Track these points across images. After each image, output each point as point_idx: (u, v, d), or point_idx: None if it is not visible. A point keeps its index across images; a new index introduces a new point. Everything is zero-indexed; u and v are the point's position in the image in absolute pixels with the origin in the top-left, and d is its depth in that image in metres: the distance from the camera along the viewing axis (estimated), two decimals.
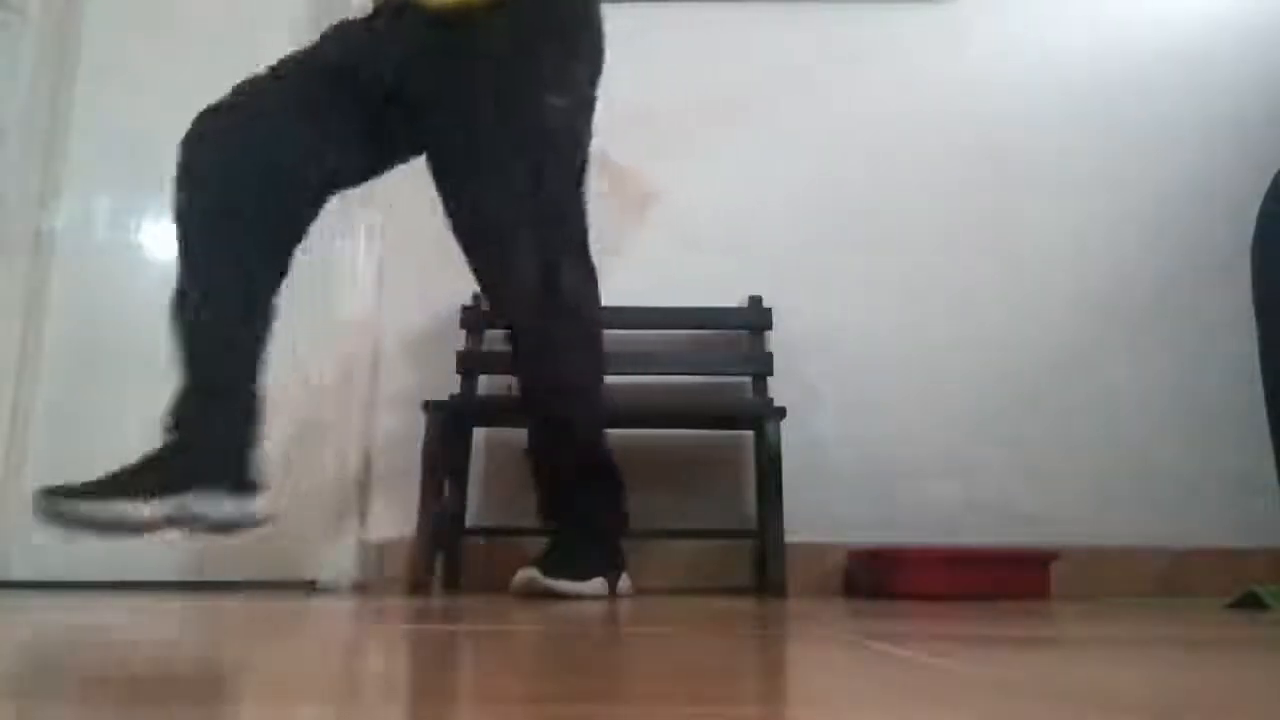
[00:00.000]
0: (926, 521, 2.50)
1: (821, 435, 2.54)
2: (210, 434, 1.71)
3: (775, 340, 2.58)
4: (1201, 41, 2.79)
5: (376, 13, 1.94)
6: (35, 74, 2.75)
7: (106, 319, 2.69)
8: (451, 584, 2.40)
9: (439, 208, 2.75)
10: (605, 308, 2.60)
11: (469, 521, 2.49)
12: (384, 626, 1.24)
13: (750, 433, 2.45)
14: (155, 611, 1.46)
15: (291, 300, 2.70)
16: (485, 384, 2.60)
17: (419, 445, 2.28)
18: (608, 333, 2.63)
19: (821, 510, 2.47)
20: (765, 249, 2.68)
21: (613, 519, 2.05)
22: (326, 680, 0.70)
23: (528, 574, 1.86)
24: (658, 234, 2.68)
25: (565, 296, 1.89)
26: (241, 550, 2.54)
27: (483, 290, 2.07)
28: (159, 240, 2.80)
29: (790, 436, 2.30)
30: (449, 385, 2.50)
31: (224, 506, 1.66)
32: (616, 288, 2.64)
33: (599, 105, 2.04)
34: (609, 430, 2.13)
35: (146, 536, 1.61)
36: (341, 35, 1.93)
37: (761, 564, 2.26)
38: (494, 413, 2.50)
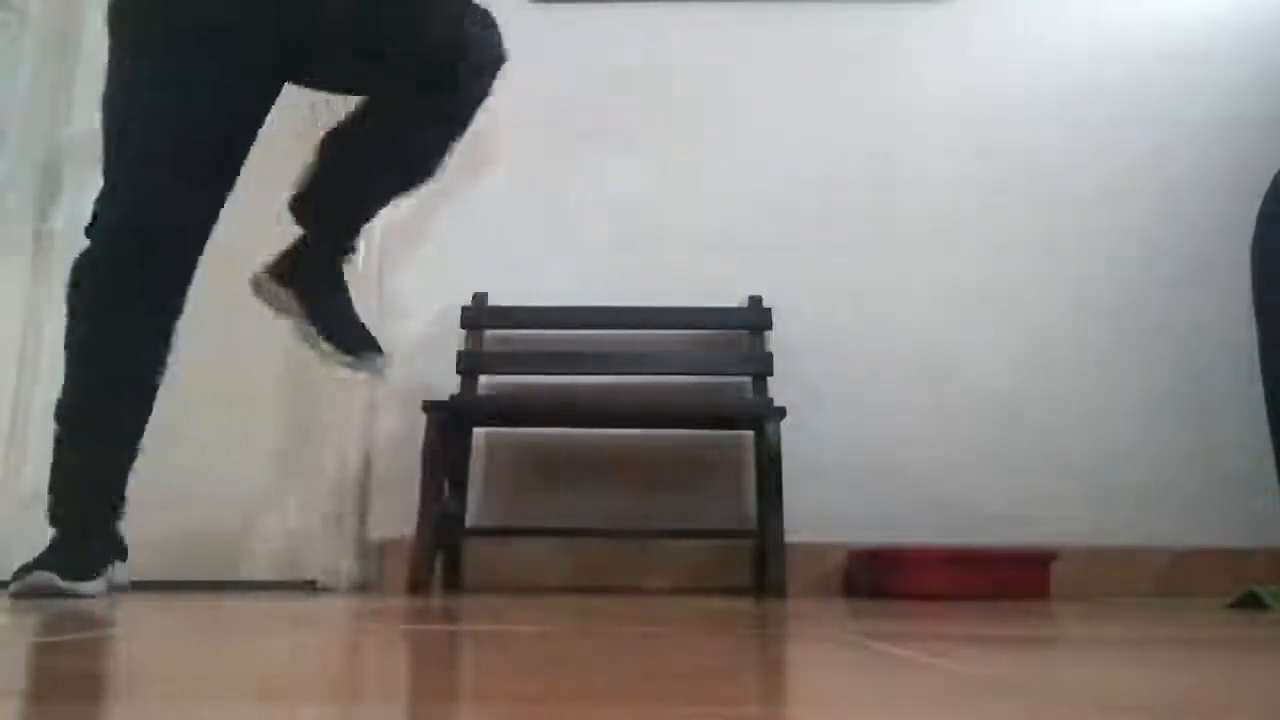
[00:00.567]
0: (926, 521, 2.50)
1: (821, 435, 2.54)
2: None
3: (775, 340, 2.58)
4: (1201, 42, 2.79)
5: None
6: (35, 74, 2.75)
7: None
8: (451, 584, 2.40)
9: (439, 207, 2.75)
10: (605, 307, 2.62)
11: (469, 521, 2.49)
12: (384, 626, 1.24)
13: (750, 433, 2.45)
14: (155, 611, 1.46)
15: None
16: (485, 384, 2.61)
17: (419, 445, 2.28)
18: (608, 333, 2.64)
19: (821, 510, 2.47)
20: (765, 249, 2.68)
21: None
22: (326, 680, 0.70)
23: None
24: (658, 234, 2.68)
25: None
26: (242, 550, 2.55)
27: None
28: None
29: (790, 436, 2.30)
30: (449, 385, 2.50)
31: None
32: (617, 288, 2.65)
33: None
34: (604, 429, 2.13)
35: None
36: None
37: (761, 564, 2.26)
38: (494, 413, 2.50)
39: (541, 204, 2.72)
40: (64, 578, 1.70)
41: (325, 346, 1.98)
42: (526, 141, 2.72)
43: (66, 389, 1.84)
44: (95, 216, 1.86)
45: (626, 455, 2.56)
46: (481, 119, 1.96)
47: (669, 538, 2.48)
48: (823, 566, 2.45)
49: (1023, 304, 2.67)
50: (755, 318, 2.62)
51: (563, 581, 2.49)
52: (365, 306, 2.69)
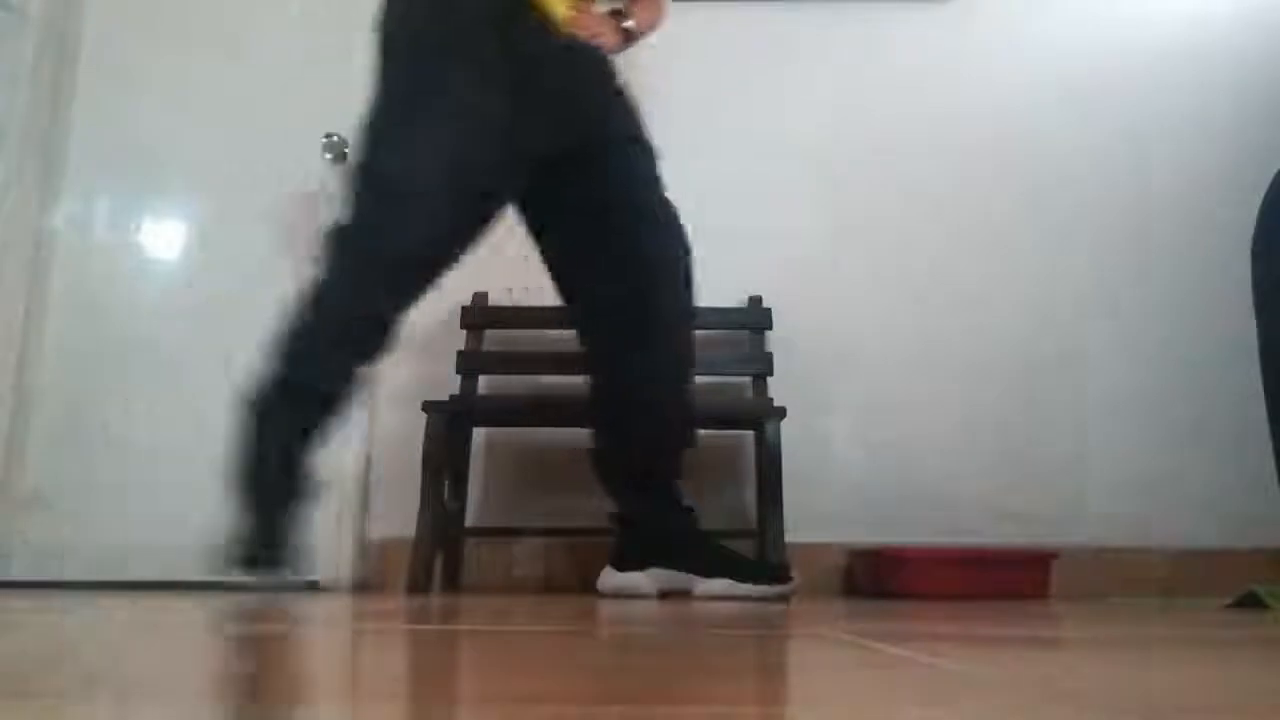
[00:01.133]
0: (927, 521, 2.50)
1: (821, 435, 2.54)
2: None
3: (775, 340, 2.58)
4: (1201, 41, 2.79)
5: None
6: (35, 74, 2.75)
7: (106, 319, 2.69)
8: (451, 584, 2.40)
9: None
10: None
11: (469, 521, 2.49)
12: (384, 626, 1.24)
13: (750, 433, 2.45)
14: (154, 611, 1.46)
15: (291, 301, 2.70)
16: (485, 384, 2.60)
17: (419, 445, 2.28)
18: None
19: (822, 510, 2.47)
20: (765, 249, 2.68)
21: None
22: (325, 680, 0.70)
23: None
24: None
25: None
26: None
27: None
28: (159, 240, 2.81)
29: (790, 436, 2.30)
30: (449, 385, 2.50)
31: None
32: None
33: None
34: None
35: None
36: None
37: None
38: (494, 413, 2.50)
39: None
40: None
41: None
42: None
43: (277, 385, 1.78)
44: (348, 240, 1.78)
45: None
46: None
47: None
48: (823, 566, 2.45)
49: (1022, 303, 2.67)
50: (755, 318, 2.61)
51: (563, 581, 2.49)
52: None
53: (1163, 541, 2.49)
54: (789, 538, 2.20)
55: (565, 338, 2.64)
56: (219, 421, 2.67)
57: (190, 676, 0.68)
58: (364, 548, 2.54)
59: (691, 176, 2.74)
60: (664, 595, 1.96)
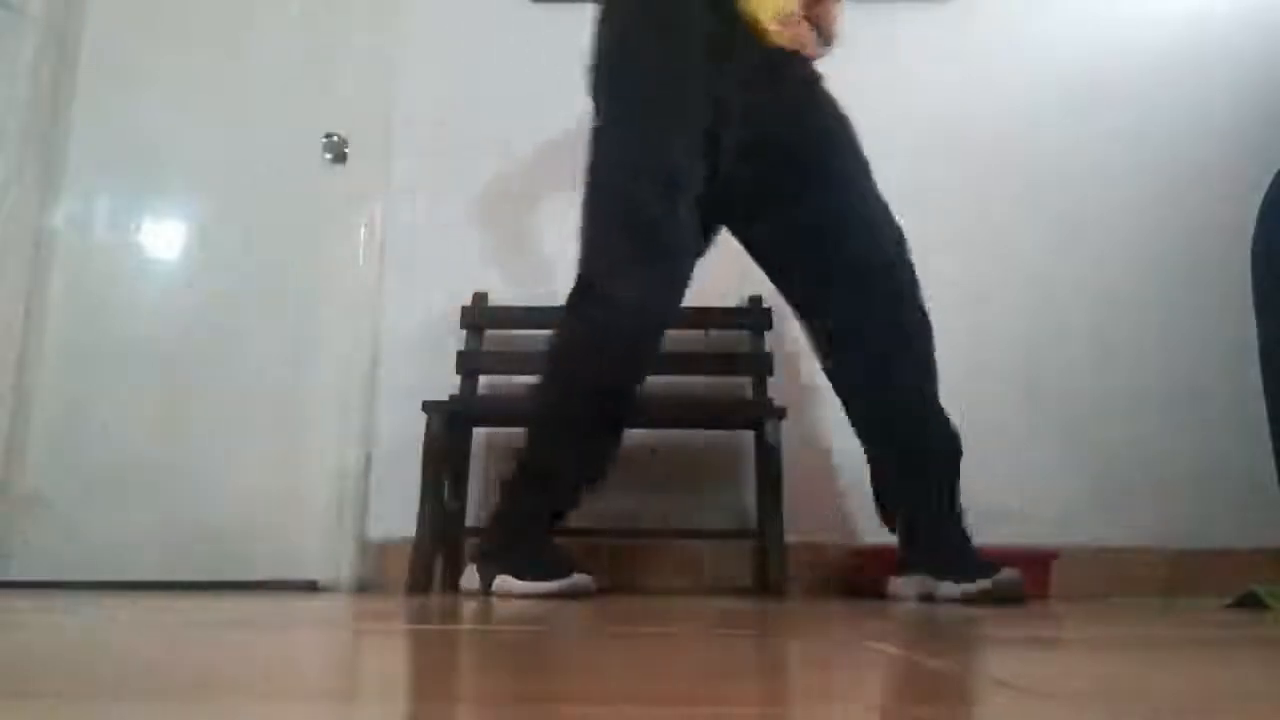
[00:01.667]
0: None
1: (821, 435, 2.54)
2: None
3: (775, 340, 2.58)
4: (1201, 41, 2.79)
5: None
6: (35, 74, 2.75)
7: (106, 319, 2.70)
8: (451, 584, 2.40)
9: (439, 207, 2.76)
10: None
11: (469, 521, 2.49)
12: (384, 626, 1.24)
13: (750, 433, 2.45)
14: (155, 611, 1.46)
15: (291, 301, 2.71)
16: (485, 384, 2.60)
17: (419, 445, 2.28)
18: None
19: (821, 510, 2.47)
20: None
21: None
22: (325, 680, 0.70)
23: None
24: None
25: None
26: (241, 550, 2.55)
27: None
28: (159, 240, 2.81)
29: (790, 436, 2.30)
30: (449, 385, 2.50)
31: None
32: None
33: None
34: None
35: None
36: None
37: (762, 564, 2.26)
38: (494, 413, 2.50)
39: (542, 204, 2.72)
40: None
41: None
42: (527, 141, 2.72)
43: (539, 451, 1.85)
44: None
45: (626, 455, 2.55)
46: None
47: (669, 538, 2.48)
48: (823, 566, 2.45)
49: (1022, 304, 2.67)
50: (755, 318, 2.61)
51: None
52: (365, 306, 2.70)
53: (1163, 541, 2.49)
54: (789, 538, 2.20)
55: None
56: (218, 421, 2.69)
57: (190, 677, 0.68)
58: (364, 548, 2.54)
59: None
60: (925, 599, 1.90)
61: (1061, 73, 2.79)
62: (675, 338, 2.66)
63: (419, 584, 2.18)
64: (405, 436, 2.45)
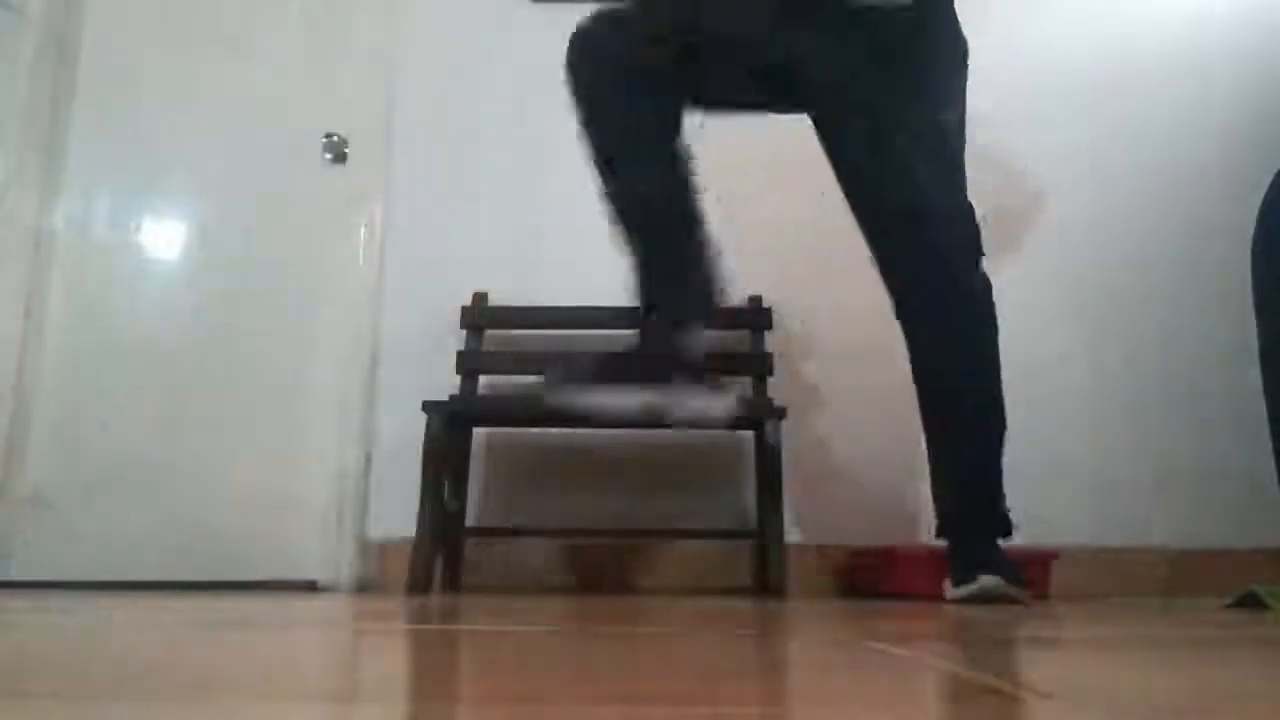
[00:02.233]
0: (927, 521, 2.50)
1: (821, 435, 2.54)
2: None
3: (775, 340, 2.58)
4: (1201, 41, 2.79)
5: None
6: (35, 74, 2.75)
7: (106, 319, 2.70)
8: (451, 584, 2.40)
9: (439, 207, 2.75)
10: (605, 307, 2.61)
11: (469, 521, 2.49)
12: (383, 626, 1.24)
13: (750, 433, 2.45)
14: (155, 612, 1.46)
15: (291, 301, 2.71)
16: (485, 384, 2.60)
17: (419, 445, 2.28)
18: (608, 333, 2.63)
19: (821, 510, 2.47)
20: (765, 249, 2.68)
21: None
22: (325, 680, 0.70)
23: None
24: None
25: None
26: (242, 550, 2.55)
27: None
28: (159, 240, 2.81)
29: (790, 436, 2.30)
30: (449, 385, 2.50)
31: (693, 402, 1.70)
32: (617, 288, 2.64)
33: None
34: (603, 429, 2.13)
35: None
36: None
37: (762, 564, 2.26)
38: (494, 413, 2.50)
39: (542, 204, 2.72)
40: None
41: None
42: (527, 141, 2.72)
43: None
44: None
45: (626, 455, 2.56)
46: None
47: (669, 538, 2.47)
48: (823, 566, 2.45)
49: (1022, 304, 2.65)
50: (755, 318, 2.61)
51: (563, 581, 2.49)
52: (365, 306, 2.70)
53: (1163, 541, 2.49)
54: (789, 538, 2.20)
55: (565, 337, 2.65)
56: (218, 421, 2.69)
57: (190, 677, 0.68)
58: (364, 548, 2.54)
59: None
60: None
61: (1061, 73, 2.79)
62: None
63: (419, 584, 2.18)
64: (405, 436, 2.44)
